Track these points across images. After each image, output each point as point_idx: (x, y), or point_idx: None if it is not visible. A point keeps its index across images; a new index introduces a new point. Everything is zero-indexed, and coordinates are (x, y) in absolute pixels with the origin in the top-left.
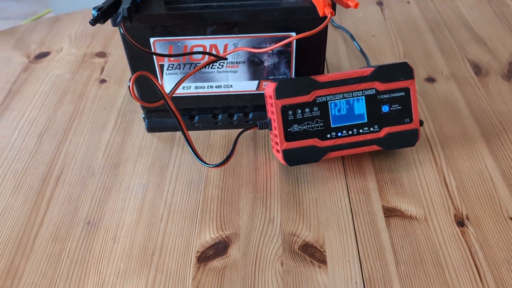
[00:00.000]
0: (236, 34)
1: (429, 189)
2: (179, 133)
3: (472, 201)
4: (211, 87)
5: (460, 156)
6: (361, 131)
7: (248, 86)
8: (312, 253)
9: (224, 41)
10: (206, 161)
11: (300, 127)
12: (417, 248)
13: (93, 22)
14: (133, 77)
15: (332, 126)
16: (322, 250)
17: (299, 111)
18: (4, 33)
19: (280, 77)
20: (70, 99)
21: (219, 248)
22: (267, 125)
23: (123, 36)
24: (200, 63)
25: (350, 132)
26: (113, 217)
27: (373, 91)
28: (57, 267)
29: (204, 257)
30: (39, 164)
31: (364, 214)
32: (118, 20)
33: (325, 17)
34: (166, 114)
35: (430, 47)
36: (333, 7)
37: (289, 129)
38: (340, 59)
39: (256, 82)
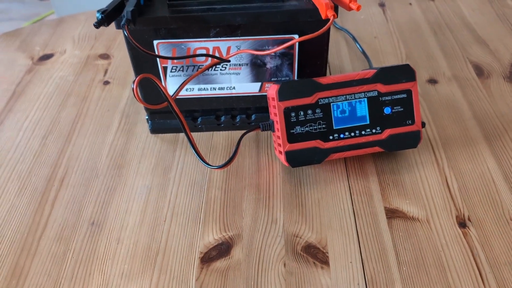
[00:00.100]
0: (239, 36)
1: (431, 191)
2: (182, 135)
3: (474, 203)
4: (214, 89)
5: (462, 158)
6: (363, 132)
7: (251, 88)
8: (315, 254)
9: (227, 43)
10: (209, 163)
11: (302, 129)
12: (419, 249)
13: (98, 24)
14: (137, 79)
15: (334, 127)
16: (324, 251)
17: (302, 113)
18: (8, 35)
19: (283, 79)
20: (74, 101)
21: (222, 249)
22: (269, 127)
23: (127, 38)
24: (203, 65)
25: (352, 134)
26: (117, 218)
27: (375, 93)
28: (61, 268)
29: (207, 258)
30: (43, 166)
31: (366, 215)
32: (122, 23)
33: (327, 20)
34: (169, 116)
35: (432, 49)
36: (336, 9)
37: (291, 131)
38: (342, 60)
39: (259, 84)
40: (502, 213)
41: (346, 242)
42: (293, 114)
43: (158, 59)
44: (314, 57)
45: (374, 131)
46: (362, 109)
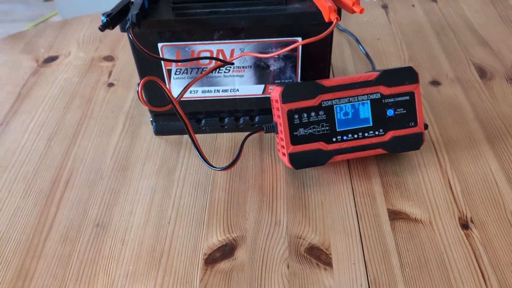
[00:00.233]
0: (242, 39)
1: (433, 192)
2: (186, 136)
3: (476, 204)
4: (218, 91)
5: (465, 159)
6: (366, 134)
7: (255, 90)
8: (318, 255)
9: (230, 46)
10: (213, 164)
11: (306, 131)
12: (422, 250)
13: (103, 28)
14: (141, 82)
15: (337, 130)
16: (328, 252)
17: (305, 115)
18: (13, 37)
19: (286, 81)
20: (79, 103)
21: (226, 251)
22: (273, 129)
23: (131, 41)
24: (207, 67)
25: (355, 136)
26: (122, 219)
27: (378, 95)
28: (67, 269)
29: (211, 259)
30: (48, 167)
31: (369, 217)
32: (127, 26)
33: (330, 22)
34: (173, 118)
35: (435, 50)
36: (339, 12)
37: (295, 133)
38: (345, 62)
39: (262, 86)
40: (505, 214)
41: (349, 243)
42: (296, 116)
43: (162, 61)
44: (317, 59)
45: (377, 133)
46: (365, 111)
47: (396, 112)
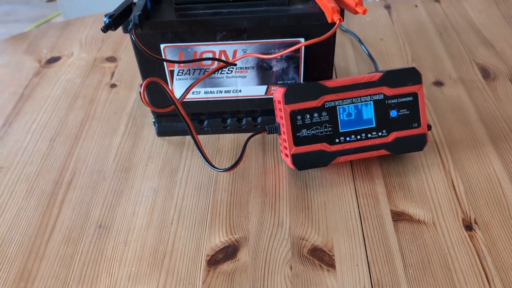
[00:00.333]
0: (245, 40)
1: (437, 193)
2: (188, 137)
3: (480, 205)
4: (220, 92)
5: (468, 160)
6: (369, 135)
7: (257, 91)
8: (321, 257)
9: (233, 47)
10: (216, 165)
11: (308, 132)
12: (425, 252)
13: (105, 29)
14: (144, 83)
15: (340, 130)
16: (330, 254)
17: (308, 116)
18: (16, 38)
19: (289, 82)
20: (81, 104)
21: (228, 252)
22: (276, 130)
23: (134, 42)
24: (209, 68)
25: (358, 137)
26: (124, 220)
27: (381, 96)
28: (69, 270)
29: (214, 261)
30: (51, 168)
31: (372, 218)
32: (129, 27)
33: (333, 23)
34: (176, 119)
35: (438, 51)
36: (342, 13)
37: (298, 134)
38: (348, 62)
39: (265, 87)
40: (509, 215)
41: (352, 245)
42: (299, 117)
43: (165, 62)
44: (320, 60)
45: (380, 134)
46: (368, 112)
47: (399, 113)
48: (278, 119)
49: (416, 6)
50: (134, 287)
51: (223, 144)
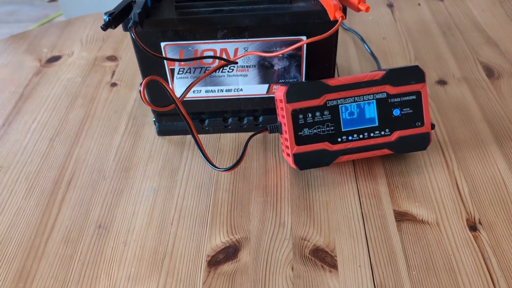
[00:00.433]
0: (246, 38)
1: (440, 193)
2: (189, 137)
3: (484, 206)
4: (222, 91)
5: (472, 160)
6: (372, 135)
7: (258, 89)
8: (323, 257)
9: (234, 45)
10: (216, 165)
11: (310, 131)
12: (429, 253)
13: (105, 27)
14: (144, 81)
15: (343, 130)
16: (333, 254)
17: (310, 115)
18: (16, 37)
19: (291, 80)
20: (81, 103)
21: (229, 252)
22: (277, 129)
23: (134, 41)
24: (210, 67)
25: (361, 136)
26: (124, 220)
27: (384, 95)
28: (68, 270)
29: (214, 261)
30: (50, 168)
31: (375, 218)
32: (129, 26)
33: (335, 21)
34: (176, 118)
35: (442, 50)
36: (344, 11)
37: (299, 133)
38: (350, 61)
39: (266, 85)
40: None
41: (354, 245)
42: (301, 116)
43: (165, 61)
44: (322, 58)
45: (383, 133)
46: (371, 111)
47: (402, 112)
48: (279, 118)
49: (419, 4)
50: None
51: (224, 144)
